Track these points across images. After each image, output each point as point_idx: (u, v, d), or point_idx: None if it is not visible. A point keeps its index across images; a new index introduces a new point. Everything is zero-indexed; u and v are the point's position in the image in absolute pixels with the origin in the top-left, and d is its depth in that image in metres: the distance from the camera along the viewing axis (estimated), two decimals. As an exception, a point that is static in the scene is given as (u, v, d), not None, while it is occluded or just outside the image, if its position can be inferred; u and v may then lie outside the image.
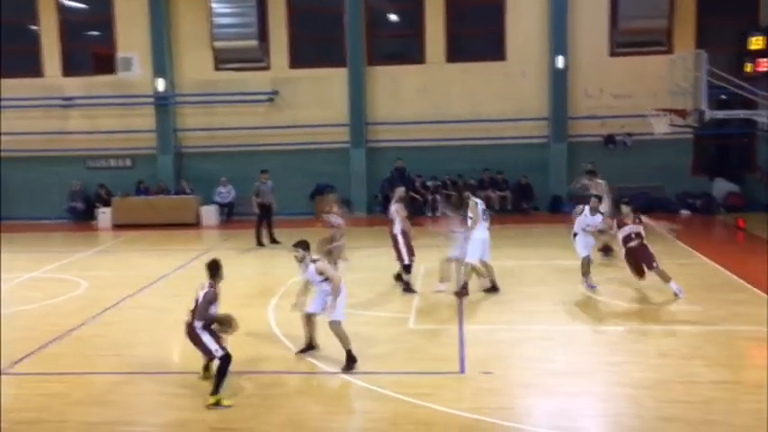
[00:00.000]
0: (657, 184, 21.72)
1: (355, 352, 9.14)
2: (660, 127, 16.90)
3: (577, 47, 21.87)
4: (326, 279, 8.99)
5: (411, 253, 12.62)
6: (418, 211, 22.02)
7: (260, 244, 17.78)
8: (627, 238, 12.07)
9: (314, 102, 22.82)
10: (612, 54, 21.96)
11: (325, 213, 13.78)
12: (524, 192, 22.07)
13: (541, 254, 15.77)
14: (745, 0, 21.78)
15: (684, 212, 20.96)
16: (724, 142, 23.22)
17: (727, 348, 9.56)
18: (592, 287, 12.40)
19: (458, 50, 22.67)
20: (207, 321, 8.24)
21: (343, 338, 9.03)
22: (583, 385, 8.46)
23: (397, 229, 12.65)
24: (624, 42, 21.68)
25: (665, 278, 11.82)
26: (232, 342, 10.29)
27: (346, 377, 8.79)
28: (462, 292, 12.10)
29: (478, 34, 23.17)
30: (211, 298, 8.28)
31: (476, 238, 12.10)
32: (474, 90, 22.33)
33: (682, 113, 16.07)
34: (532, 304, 11.89)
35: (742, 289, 12.49)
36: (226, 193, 22.59)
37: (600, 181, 15.84)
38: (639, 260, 11.99)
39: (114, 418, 7.92)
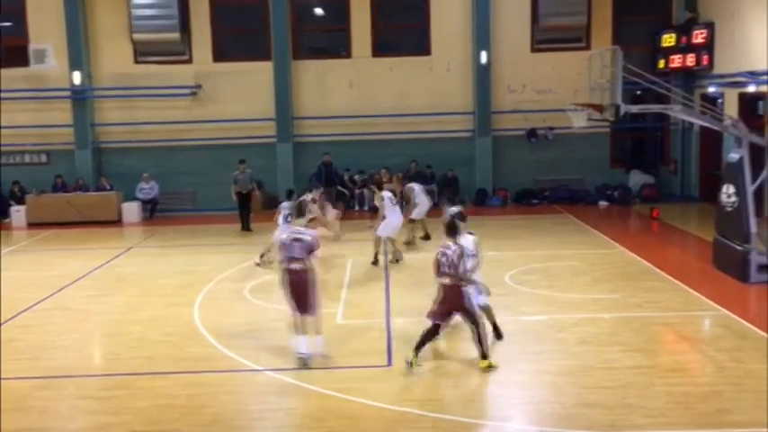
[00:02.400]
0: (578, 177, 22.43)
1: (282, 348, 9.08)
2: (579, 121, 17.34)
3: (500, 43, 22.24)
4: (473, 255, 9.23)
5: None
6: (346, 206, 22.08)
7: (247, 229, 18.66)
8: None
9: (238, 96, 22.45)
10: (534, 50, 22.45)
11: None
12: (451, 185, 22.33)
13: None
14: (659, -1, 22.66)
15: (603, 203, 21.64)
16: (639, 136, 24.15)
17: (642, 334, 9.95)
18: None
19: (384, 45, 22.73)
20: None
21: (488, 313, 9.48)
22: (506, 374, 8.65)
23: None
24: (545, 39, 22.20)
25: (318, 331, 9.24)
26: (157, 341, 10.15)
27: (273, 374, 8.72)
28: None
29: (404, 29, 23.32)
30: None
31: (390, 221, 14.40)
32: (400, 84, 22.43)
33: (599, 108, 16.54)
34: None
35: (656, 276, 13.00)
36: (148, 189, 22.00)
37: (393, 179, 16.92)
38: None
39: (32, 425, 7.66)
